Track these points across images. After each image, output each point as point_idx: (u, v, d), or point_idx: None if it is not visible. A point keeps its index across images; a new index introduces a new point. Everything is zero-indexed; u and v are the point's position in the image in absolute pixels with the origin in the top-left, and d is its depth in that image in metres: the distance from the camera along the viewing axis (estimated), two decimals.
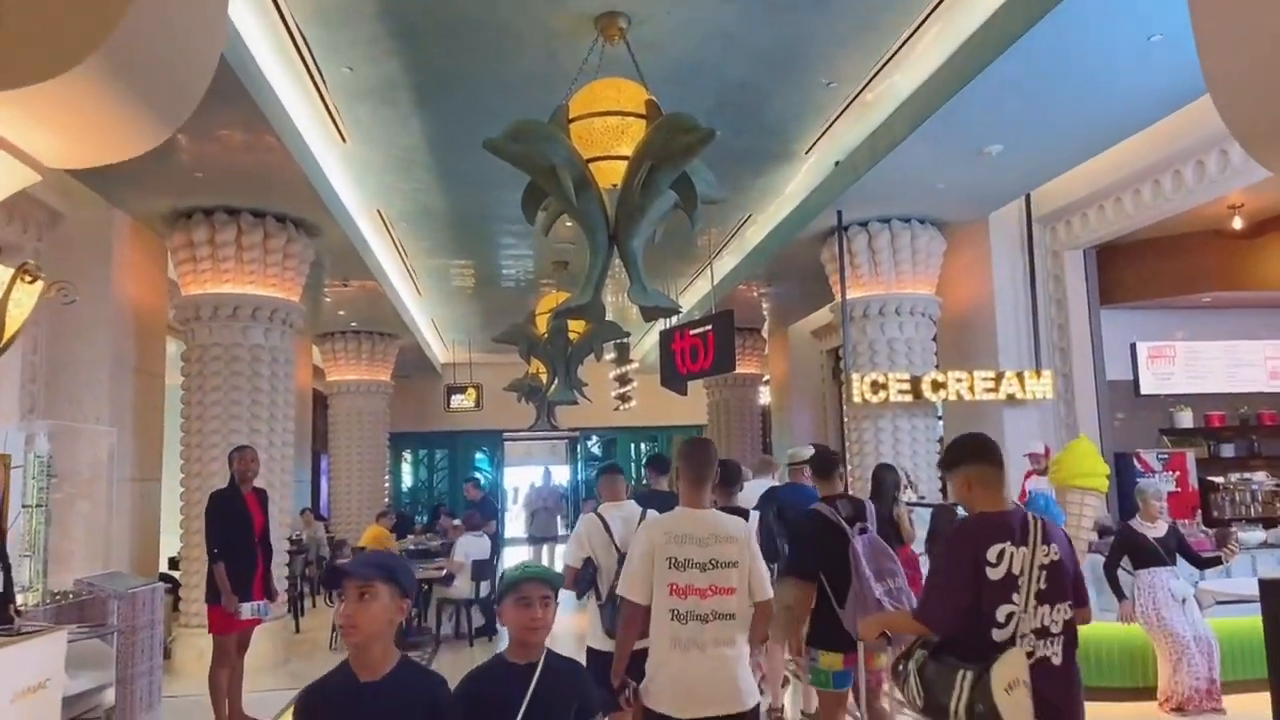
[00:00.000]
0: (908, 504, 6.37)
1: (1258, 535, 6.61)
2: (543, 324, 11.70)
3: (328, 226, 8.59)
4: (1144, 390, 9.10)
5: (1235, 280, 8.51)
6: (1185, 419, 9.06)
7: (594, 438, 22.30)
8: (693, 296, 13.97)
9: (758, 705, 3.06)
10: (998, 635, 2.65)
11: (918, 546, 6.29)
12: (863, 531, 3.96)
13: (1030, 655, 2.64)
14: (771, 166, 8.61)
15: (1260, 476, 8.56)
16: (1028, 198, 8.72)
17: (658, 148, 5.16)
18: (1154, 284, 8.74)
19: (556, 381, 12.08)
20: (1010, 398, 8.43)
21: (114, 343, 7.56)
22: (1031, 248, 8.81)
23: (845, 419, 9.22)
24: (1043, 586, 2.69)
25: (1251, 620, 5.38)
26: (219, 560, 5.50)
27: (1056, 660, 2.69)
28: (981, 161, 7.20)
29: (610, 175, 5.59)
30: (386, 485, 15.94)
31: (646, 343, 18.25)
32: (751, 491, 6.54)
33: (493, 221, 10.22)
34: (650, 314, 5.74)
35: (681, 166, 5.23)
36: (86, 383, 7.34)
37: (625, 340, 17.19)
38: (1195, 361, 9.17)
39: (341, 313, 12.74)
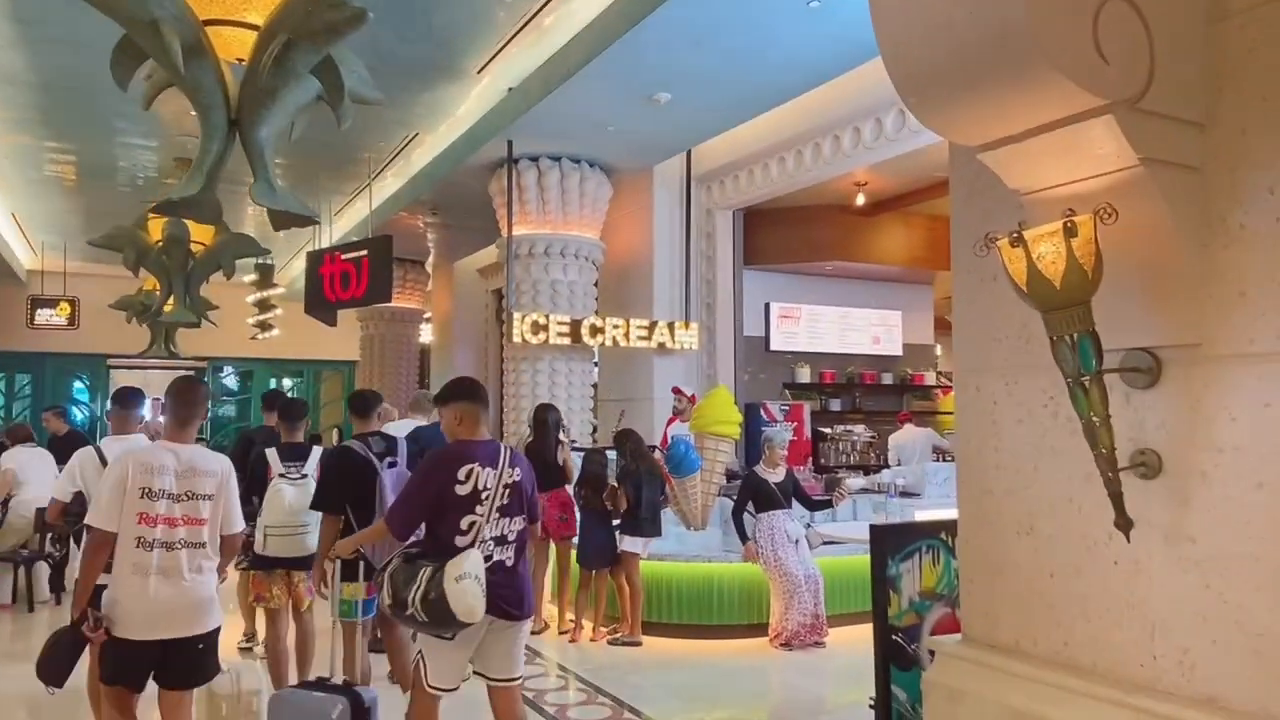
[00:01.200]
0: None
1: (859, 482, 7.50)
2: (157, 230, 9.89)
3: None
4: (773, 346, 9.97)
5: (854, 253, 9.58)
6: (804, 374, 10.10)
7: (227, 369, 19.88)
8: (349, 220, 12.78)
9: (218, 628, 3.25)
10: (460, 541, 3.08)
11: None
12: (391, 465, 4.18)
13: (489, 559, 3.11)
14: (441, 82, 7.91)
15: (860, 429, 9.83)
16: (689, 155, 8.99)
17: (296, 21, 4.31)
18: (788, 249, 9.56)
19: (173, 299, 10.34)
20: (661, 346, 8.71)
21: None
22: (689, 204, 9.13)
23: (505, 359, 8.95)
24: (504, 502, 3.19)
25: (852, 559, 6.02)
26: None
27: (510, 562, 3.20)
28: (651, 109, 7.19)
29: (234, 46, 4.59)
30: None
31: (295, 266, 16.48)
32: (399, 430, 5.96)
33: (101, 96, 8.24)
34: (279, 221, 4.87)
35: (325, 49, 4.43)
36: None
37: (268, 261, 15.46)
38: (816, 323, 10.25)
39: None
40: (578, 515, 6.07)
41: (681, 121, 7.50)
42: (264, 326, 16.10)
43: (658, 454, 6.44)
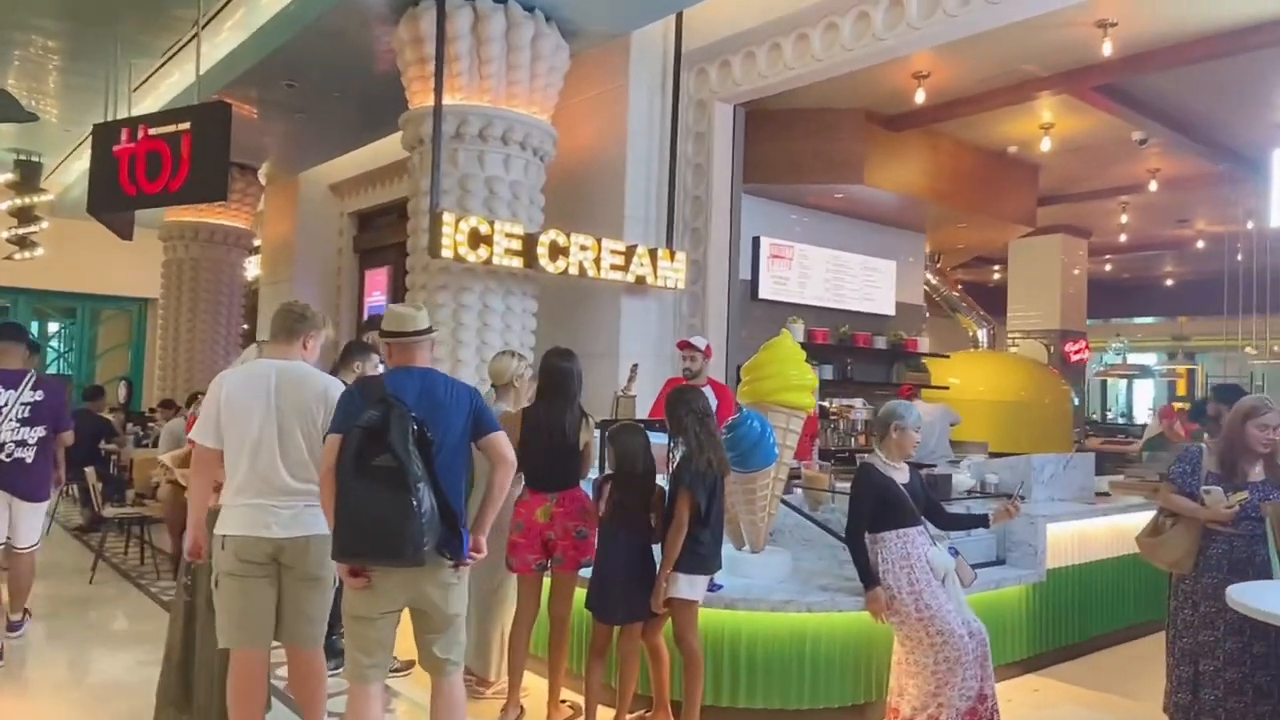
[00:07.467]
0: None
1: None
2: None
3: None
4: (762, 294, 7.66)
5: (874, 177, 7.33)
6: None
7: None
8: (158, 97, 9.30)
9: None
10: None
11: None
12: None
13: (9, 456, 4.51)
14: None
15: (858, 403, 7.70)
16: (679, 19, 6.56)
17: None
18: (797, 166, 7.21)
19: None
20: (639, 281, 6.26)
21: None
22: (677, 90, 6.68)
23: (410, 288, 6.15)
24: (26, 415, 4.54)
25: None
26: None
27: (29, 460, 4.55)
28: None
29: None
30: None
31: (71, 169, 12.46)
32: None
33: None
34: None
35: None
36: None
37: (33, 158, 11.64)
38: (807, 268, 8.01)
39: None
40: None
41: None
42: (24, 243, 12.09)
43: None
